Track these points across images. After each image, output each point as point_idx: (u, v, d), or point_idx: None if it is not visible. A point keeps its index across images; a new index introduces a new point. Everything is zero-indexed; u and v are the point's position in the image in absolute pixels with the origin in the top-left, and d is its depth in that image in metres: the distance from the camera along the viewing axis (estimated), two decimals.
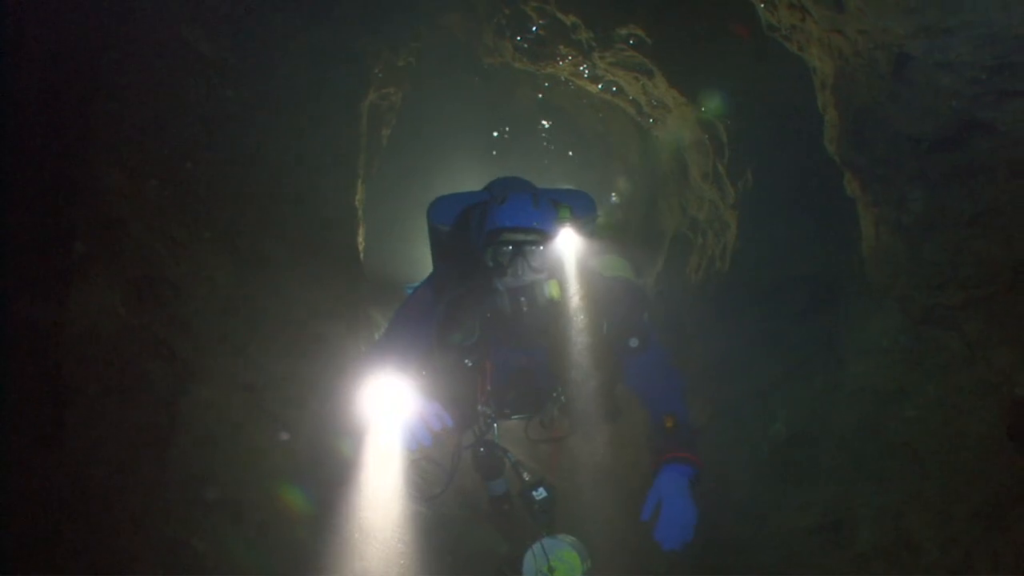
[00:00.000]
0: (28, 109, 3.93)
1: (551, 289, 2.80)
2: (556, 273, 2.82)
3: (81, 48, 4.30)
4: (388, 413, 2.49)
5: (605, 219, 10.75)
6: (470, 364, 2.93)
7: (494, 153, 13.84)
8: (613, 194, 12.43)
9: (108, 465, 3.80)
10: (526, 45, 8.96)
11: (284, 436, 2.57)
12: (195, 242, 4.97)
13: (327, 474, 4.26)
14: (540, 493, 2.91)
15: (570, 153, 13.85)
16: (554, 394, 3.05)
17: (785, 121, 6.56)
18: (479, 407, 2.98)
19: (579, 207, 3.14)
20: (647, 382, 2.96)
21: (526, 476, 2.98)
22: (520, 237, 2.75)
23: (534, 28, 8.57)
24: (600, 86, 9.74)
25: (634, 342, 2.88)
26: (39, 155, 4.05)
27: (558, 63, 9.19)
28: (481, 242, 2.87)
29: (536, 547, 2.83)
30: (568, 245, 2.80)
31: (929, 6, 3.81)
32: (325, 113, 6.54)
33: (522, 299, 2.78)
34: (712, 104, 7.43)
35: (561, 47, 8.62)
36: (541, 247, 2.77)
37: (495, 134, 13.42)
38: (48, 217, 4.07)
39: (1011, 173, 3.70)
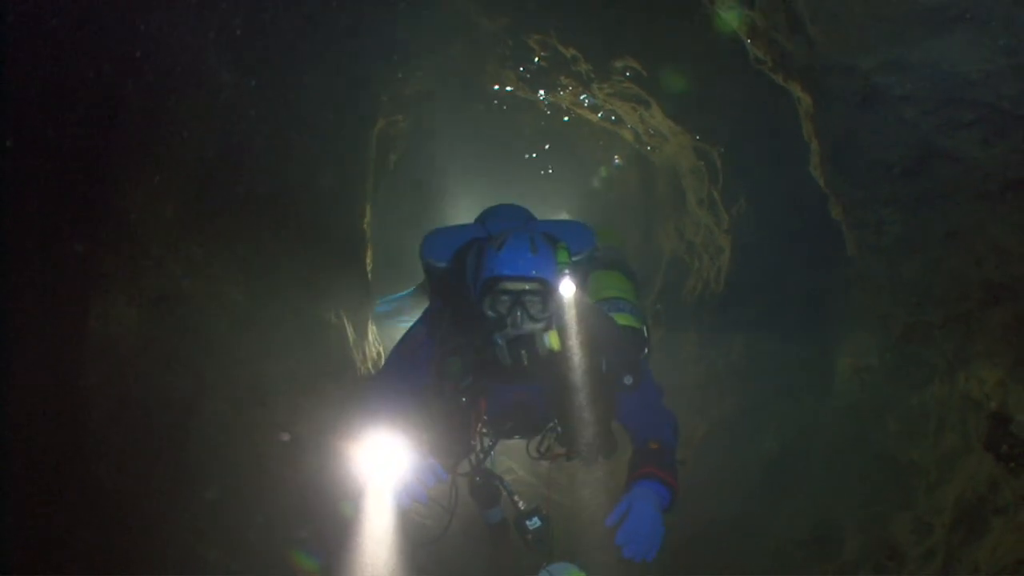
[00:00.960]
0: (54, 132, 4.10)
1: (551, 340, 2.69)
2: (556, 321, 2.75)
3: (107, 73, 4.48)
4: (383, 471, 2.47)
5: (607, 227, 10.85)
6: (465, 401, 2.86)
7: (498, 178, 14.05)
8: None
9: (123, 473, 3.93)
10: (528, 75, 9.19)
11: (285, 437, 2.57)
12: (211, 261, 5.14)
13: (330, 529, 4.31)
14: (534, 523, 2.87)
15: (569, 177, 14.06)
16: (550, 424, 3.00)
17: (775, 149, 6.72)
18: (472, 441, 2.94)
19: (577, 243, 3.05)
20: (638, 418, 2.87)
21: (521, 505, 2.95)
22: (519, 287, 2.63)
23: (536, 59, 8.80)
24: (600, 115, 9.96)
25: (628, 379, 2.80)
26: (64, 175, 4.22)
27: (559, 92, 9.41)
28: (478, 289, 2.76)
29: (543, 574, 2.83)
30: (567, 292, 2.71)
31: (888, 44, 3.99)
32: (337, 139, 6.73)
33: (522, 352, 2.67)
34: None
35: (562, 78, 8.84)
36: (539, 296, 2.65)
37: (499, 159, 13.63)
38: (72, 235, 4.23)
39: (973, 196, 3.85)
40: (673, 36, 6.96)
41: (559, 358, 2.75)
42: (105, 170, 4.41)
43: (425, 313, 3.16)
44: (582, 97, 9.44)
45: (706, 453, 7.60)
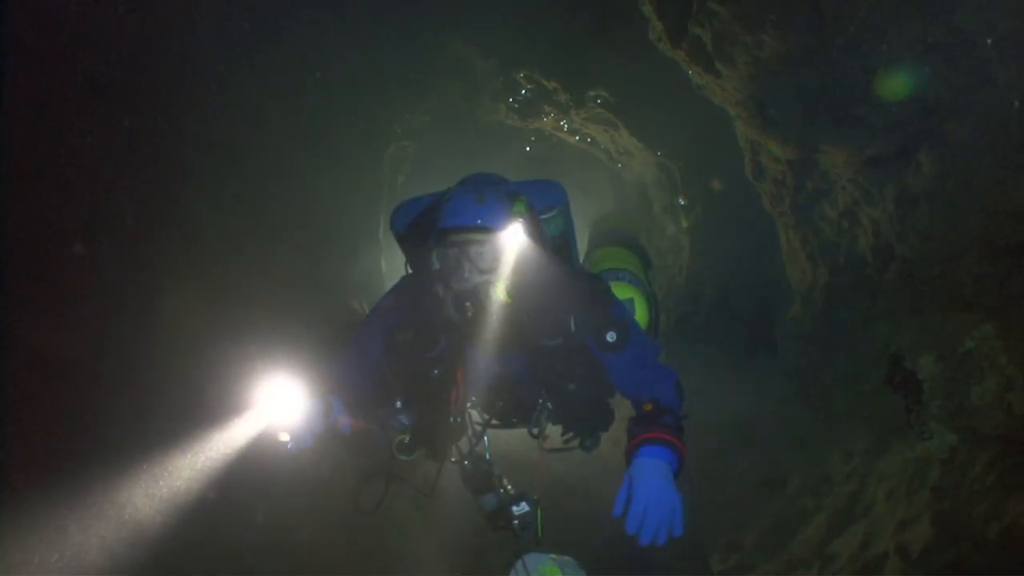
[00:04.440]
0: (133, 159, 4.84)
1: (498, 291, 2.39)
2: (507, 273, 2.44)
3: (176, 107, 5.28)
4: (277, 414, 2.28)
5: (610, 211, 11.13)
6: (437, 373, 2.58)
7: None
8: None
9: (190, 425, 4.49)
10: (516, 106, 10.08)
11: (284, 437, 2.20)
12: (260, 260, 5.94)
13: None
14: (521, 508, 2.55)
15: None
16: (540, 401, 2.63)
17: (723, 157, 7.56)
18: (454, 419, 2.62)
19: (542, 198, 2.72)
20: (631, 379, 2.44)
21: (510, 490, 2.63)
22: (463, 237, 2.36)
23: (523, 92, 9.71)
24: (577, 138, 10.86)
25: (611, 336, 2.42)
26: (142, 189, 4.95)
27: (543, 119, 10.31)
28: (429, 245, 2.51)
29: (518, 564, 2.55)
30: (517, 240, 2.40)
31: (763, 77, 4.87)
32: (360, 161, 7.60)
33: (467, 304, 2.38)
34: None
35: (545, 107, 9.74)
36: (486, 246, 2.36)
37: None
38: (145, 237, 4.95)
39: (855, 188, 4.69)
40: (635, 69, 7.84)
41: (513, 313, 2.42)
42: (174, 182, 5.17)
43: (394, 286, 2.87)
44: (562, 123, 10.37)
45: None
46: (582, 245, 3.47)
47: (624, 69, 7.89)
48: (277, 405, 2.27)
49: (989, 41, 3.16)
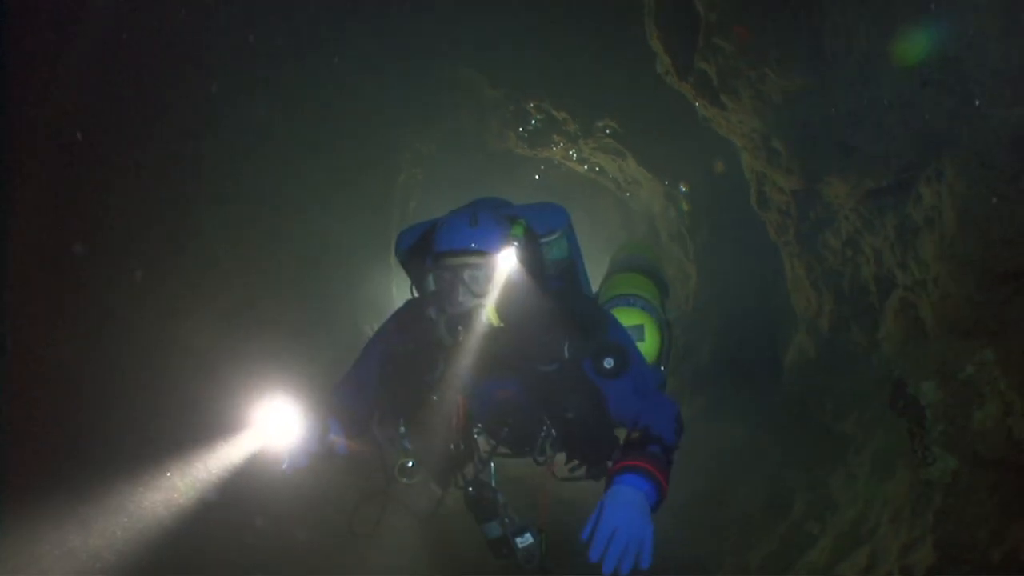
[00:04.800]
0: (149, 180, 5.03)
1: (489, 314, 2.36)
2: (499, 297, 2.42)
3: (192, 130, 5.50)
4: (274, 434, 2.25)
5: (630, 238, 11.10)
6: (436, 399, 2.52)
7: None
8: None
9: (195, 442, 4.58)
10: (526, 135, 10.29)
11: (284, 466, 2.35)
12: (272, 282, 6.10)
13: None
14: (525, 540, 2.47)
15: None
16: (543, 428, 2.56)
17: (728, 188, 7.72)
18: (455, 445, 2.57)
19: (542, 221, 2.67)
20: (629, 407, 2.35)
21: (515, 519, 2.55)
22: (457, 260, 2.35)
23: (533, 121, 9.92)
24: (586, 167, 11.04)
25: (609, 362, 2.37)
26: (160, 211, 5.12)
27: (552, 148, 10.50)
28: (426, 268, 2.50)
29: None
30: (510, 263, 2.36)
31: (769, 112, 5.04)
32: (372, 188, 7.78)
33: (459, 328, 2.35)
34: None
35: (554, 136, 9.94)
36: (480, 270, 2.34)
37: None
38: (165, 258, 5.11)
39: (856, 217, 4.83)
40: (643, 100, 8.04)
41: (505, 337, 2.39)
42: (190, 206, 5.34)
43: (399, 308, 2.84)
44: (571, 152, 10.56)
45: (684, 442, 8.43)
46: (598, 272, 3.41)
47: (632, 100, 8.08)
48: (274, 425, 2.25)
49: (980, 74, 3.31)
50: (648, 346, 2.88)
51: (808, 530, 6.18)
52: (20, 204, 3.57)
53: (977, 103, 3.39)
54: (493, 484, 2.61)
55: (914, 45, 3.75)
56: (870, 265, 4.86)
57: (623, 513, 1.92)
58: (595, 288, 3.13)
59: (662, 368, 3.01)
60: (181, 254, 5.22)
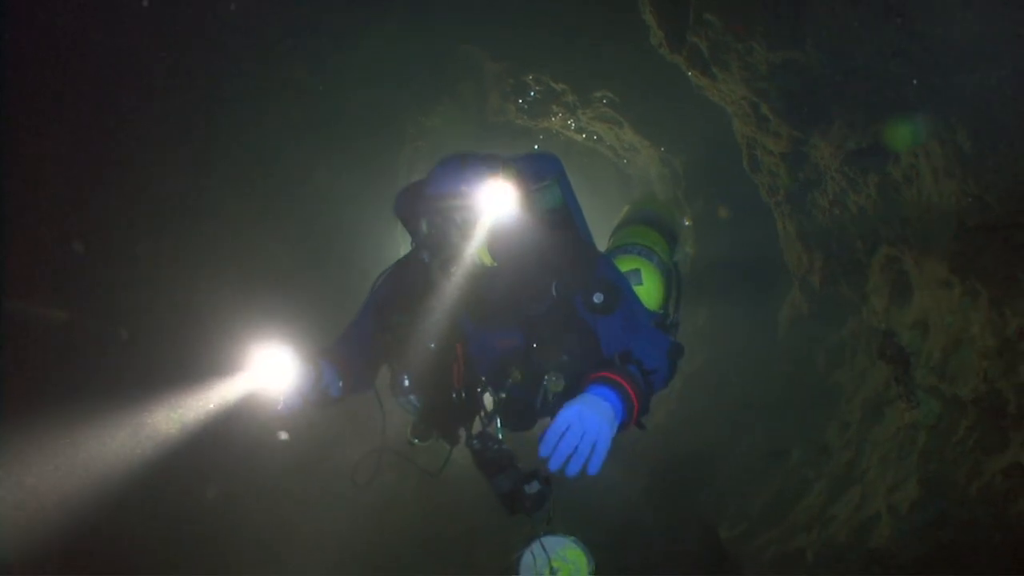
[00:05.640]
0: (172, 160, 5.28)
1: (480, 252, 2.34)
2: (491, 236, 2.38)
3: (209, 107, 5.73)
4: (267, 377, 2.27)
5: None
6: (433, 347, 2.49)
7: None
8: None
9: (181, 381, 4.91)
10: (526, 107, 10.44)
11: (283, 436, 2.22)
12: (282, 252, 6.38)
13: None
14: (533, 487, 2.40)
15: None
16: (550, 378, 2.47)
17: (721, 151, 7.87)
18: (456, 395, 2.52)
19: (532, 169, 2.63)
20: (622, 343, 2.29)
21: (520, 468, 2.47)
22: (447, 203, 2.35)
23: (532, 93, 10.06)
24: (584, 136, 11.20)
25: (598, 297, 2.31)
26: (186, 201, 5.39)
27: (551, 119, 10.66)
28: (418, 213, 2.48)
29: (535, 546, 2.38)
30: (500, 203, 2.33)
31: (757, 80, 5.20)
32: (379, 159, 8.04)
33: (452, 268, 2.35)
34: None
35: (553, 107, 10.09)
36: (470, 211, 2.33)
37: None
38: (183, 246, 5.38)
39: (842, 177, 5.04)
40: (639, 70, 8.19)
41: (499, 277, 2.37)
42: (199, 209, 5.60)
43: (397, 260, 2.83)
44: (569, 122, 10.71)
45: (687, 399, 8.74)
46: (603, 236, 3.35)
47: (629, 70, 8.23)
48: (268, 369, 2.26)
49: (946, 45, 3.51)
50: (648, 289, 2.86)
51: (805, 475, 6.49)
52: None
53: (941, 70, 3.59)
54: (500, 437, 2.55)
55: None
56: (856, 222, 5.09)
57: (582, 414, 1.82)
58: (600, 248, 2.99)
59: (671, 313, 2.97)
60: (200, 221, 5.52)
